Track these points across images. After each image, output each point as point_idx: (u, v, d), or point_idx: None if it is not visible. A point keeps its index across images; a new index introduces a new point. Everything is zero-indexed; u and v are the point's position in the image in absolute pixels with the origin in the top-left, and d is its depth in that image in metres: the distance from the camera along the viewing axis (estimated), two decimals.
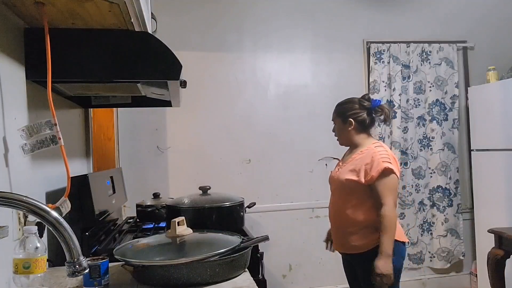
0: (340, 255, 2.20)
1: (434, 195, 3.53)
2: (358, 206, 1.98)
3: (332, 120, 2.16)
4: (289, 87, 3.42)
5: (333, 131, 2.17)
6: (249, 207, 2.55)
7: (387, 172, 1.91)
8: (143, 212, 2.38)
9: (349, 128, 2.07)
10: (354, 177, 1.97)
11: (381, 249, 1.86)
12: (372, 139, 2.10)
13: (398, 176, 1.97)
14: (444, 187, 3.52)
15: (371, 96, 3.40)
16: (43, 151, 1.26)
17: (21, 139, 1.22)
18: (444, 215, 3.51)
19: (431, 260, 3.54)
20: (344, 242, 2.04)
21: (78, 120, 2.21)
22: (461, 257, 3.56)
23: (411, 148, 3.51)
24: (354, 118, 2.06)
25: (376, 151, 1.97)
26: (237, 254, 1.27)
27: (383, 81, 3.47)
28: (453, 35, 3.65)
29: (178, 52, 1.45)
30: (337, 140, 2.17)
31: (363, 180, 1.94)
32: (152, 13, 1.84)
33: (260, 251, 2.01)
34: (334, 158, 2.31)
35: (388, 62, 3.48)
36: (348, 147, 2.19)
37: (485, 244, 2.94)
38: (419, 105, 3.54)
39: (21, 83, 1.33)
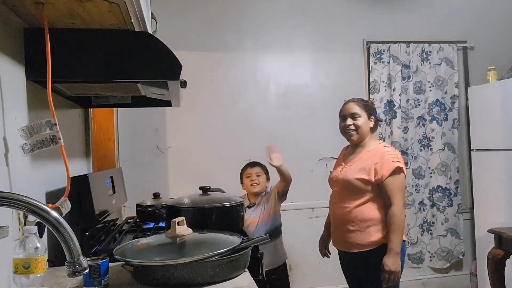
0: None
1: (434, 195, 3.53)
2: (365, 205, 2.00)
3: (357, 113, 2.07)
4: (289, 87, 3.41)
5: (354, 125, 2.07)
6: (249, 207, 2.55)
7: (397, 171, 1.95)
8: (143, 212, 2.38)
9: (370, 126, 2.10)
10: (364, 176, 1.99)
11: (390, 246, 1.89)
12: (376, 140, 2.15)
13: (405, 175, 2.02)
14: (444, 187, 3.52)
15: (371, 96, 3.44)
16: (43, 151, 1.25)
17: (21, 139, 1.22)
18: (444, 215, 3.51)
19: (430, 260, 3.54)
20: (348, 240, 2.05)
21: (78, 120, 2.21)
22: (461, 257, 3.56)
23: (411, 148, 3.51)
24: (376, 117, 2.13)
25: (385, 151, 2.02)
26: (237, 254, 1.27)
27: (383, 81, 3.47)
28: (453, 35, 3.64)
29: (178, 52, 1.45)
30: (356, 134, 2.07)
31: (373, 179, 1.97)
32: (152, 13, 1.84)
33: (260, 251, 2.00)
34: (334, 158, 2.30)
35: (388, 62, 3.48)
36: (348, 147, 2.20)
37: (485, 244, 2.94)
38: (419, 105, 3.54)
39: (21, 83, 1.33)
